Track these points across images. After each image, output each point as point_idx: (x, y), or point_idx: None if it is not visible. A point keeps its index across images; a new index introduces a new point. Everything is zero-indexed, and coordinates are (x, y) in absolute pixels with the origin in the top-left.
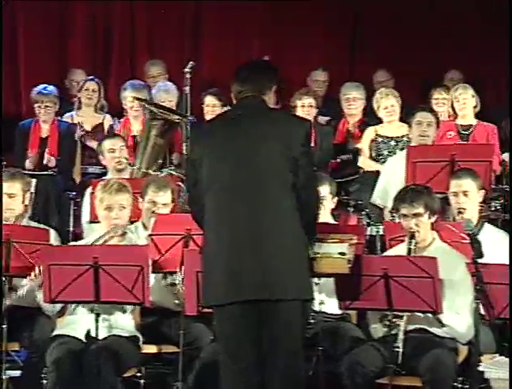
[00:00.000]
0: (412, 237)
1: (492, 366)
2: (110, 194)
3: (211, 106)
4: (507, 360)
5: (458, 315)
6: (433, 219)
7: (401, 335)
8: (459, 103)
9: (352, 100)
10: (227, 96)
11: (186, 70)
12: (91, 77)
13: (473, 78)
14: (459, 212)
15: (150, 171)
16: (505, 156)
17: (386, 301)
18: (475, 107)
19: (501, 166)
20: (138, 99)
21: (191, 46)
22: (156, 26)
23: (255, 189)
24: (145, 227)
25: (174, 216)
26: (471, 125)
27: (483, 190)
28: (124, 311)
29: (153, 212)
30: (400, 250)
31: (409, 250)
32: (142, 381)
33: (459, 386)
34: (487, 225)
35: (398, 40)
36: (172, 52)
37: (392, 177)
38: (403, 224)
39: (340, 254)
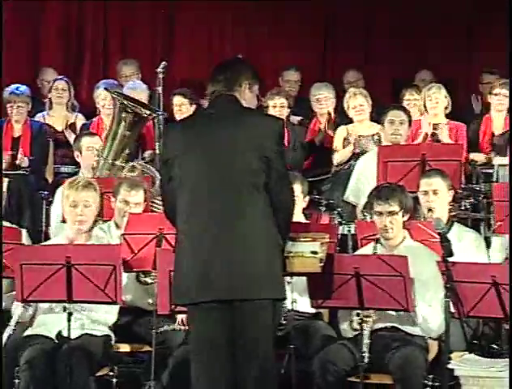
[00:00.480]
0: (377, 241)
1: (461, 364)
2: (76, 190)
3: (179, 105)
4: (477, 357)
5: (430, 308)
6: (406, 217)
7: (367, 335)
8: (432, 101)
9: (324, 99)
10: (198, 96)
11: (159, 69)
12: (60, 76)
13: (444, 78)
14: (429, 210)
15: (117, 162)
16: (474, 156)
17: (357, 300)
18: (446, 108)
19: (470, 165)
20: (107, 90)
21: (164, 46)
22: (129, 26)
23: (227, 188)
24: (117, 226)
25: (147, 216)
26: (440, 123)
27: (452, 191)
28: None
29: (125, 212)
30: (369, 249)
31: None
32: (114, 380)
33: (430, 383)
34: (456, 225)
35: (369, 40)
36: (145, 52)
37: (364, 175)
38: (377, 222)
39: (312, 253)
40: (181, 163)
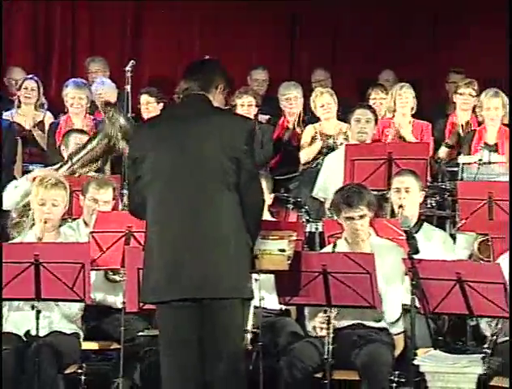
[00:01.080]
0: (335, 245)
1: (427, 360)
2: (45, 188)
3: (146, 104)
4: (442, 353)
5: (389, 298)
6: (372, 215)
7: (331, 334)
8: (402, 101)
9: (293, 99)
10: (166, 94)
11: (127, 68)
12: (30, 76)
13: (407, 78)
14: (400, 207)
15: (79, 171)
16: (441, 152)
17: (324, 297)
18: (412, 108)
19: (436, 163)
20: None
21: (132, 46)
22: (97, 25)
23: (196, 188)
24: (86, 224)
25: (115, 214)
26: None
27: (423, 192)
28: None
29: (94, 210)
30: (330, 248)
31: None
32: (83, 377)
33: (395, 379)
34: (425, 224)
35: (336, 40)
36: (113, 51)
37: (332, 173)
38: (347, 226)
39: (280, 250)
40: (149, 161)
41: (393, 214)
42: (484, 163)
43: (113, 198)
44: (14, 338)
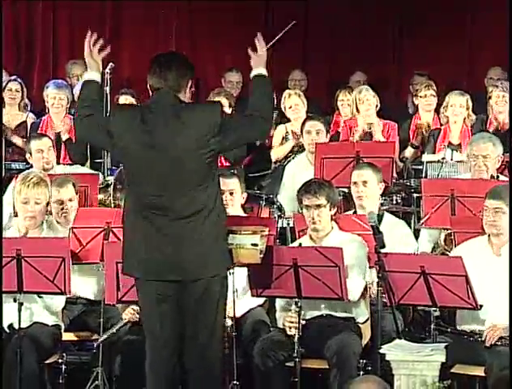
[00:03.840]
0: (300, 244)
1: (392, 349)
2: (28, 187)
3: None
4: (407, 342)
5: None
6: (333, 211)
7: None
8: (364, 104)
9: None
10: (144, 96)
11: (106, 70)
12: (13, 77)
13: (376, 79)
14: (358, 198)
15: None
16: (407, 152)
17: (295, 289)
18: (376, 106)
19: (402, 162)
20: None
21: (111, 46)
22: (77, 26)
23: (175, 179)
24: (59, 223)
25: (95, 210)
26: (373, 123)
27: (382, 184)
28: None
29: (62, 209)
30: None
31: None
32: (63, 367)
33: (362, 367)
34: (386, 215)
35: (307, 41)
36: None
37: (293, 182)
38: (305, 215)
39: (253, 245)
40: (127, 154)
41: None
42: (448, 161)
43: (76, 193)
44: None
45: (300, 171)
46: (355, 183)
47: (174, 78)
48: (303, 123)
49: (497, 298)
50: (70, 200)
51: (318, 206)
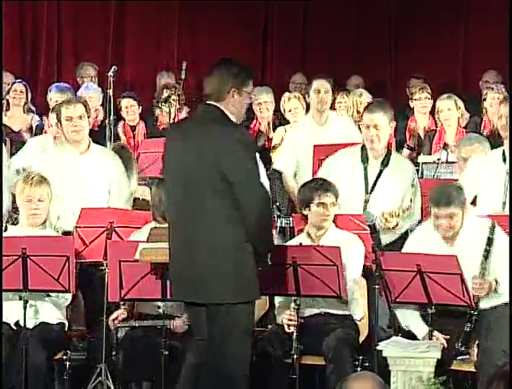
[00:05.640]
0: (300, 244)
1: (389, 345)
2: (30, 185)
3: (128, 107)
4: (403, 339)
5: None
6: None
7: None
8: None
9: (264, 103)
10: (146, 97)
11: (109, 74)
12: (19, 80)
13: (374, 82)
14: (370, 142)
15: None
16: (403, 153)
17: (294, 288)
18: None
19: None
20: None
21: (115, 48)
22: (81, 28)
23: (195, 201)
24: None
25: (98, 210)
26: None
27: (394, 122)
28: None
29: (32, 209)
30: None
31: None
32: (68, 363)
33: (360, 363)
34: (393, 155)
35: (306, 42)
36: (95, 52)
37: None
38: (318, 212)
39: None
40: (164, 164)
41: None
42: (443, 162)
43: (87, 112)
44: (5, 326)
45: (305, 133)
46: (367, 127)
47: (214, 84)
48: (309, 83)
49: None
50: (80, 118)
51: (333, 204)
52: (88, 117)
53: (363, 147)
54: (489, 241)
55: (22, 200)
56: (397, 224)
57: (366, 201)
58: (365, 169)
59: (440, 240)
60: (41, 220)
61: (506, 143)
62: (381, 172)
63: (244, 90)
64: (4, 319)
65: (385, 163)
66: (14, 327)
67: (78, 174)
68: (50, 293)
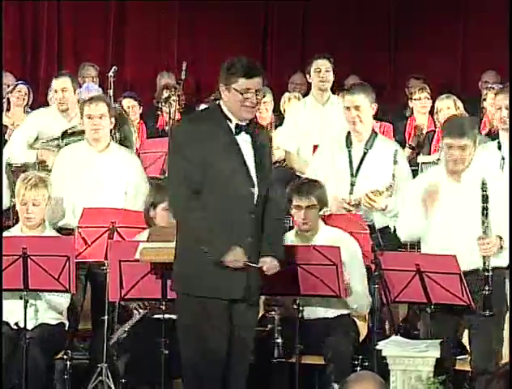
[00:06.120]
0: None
1: (388, 345)
2: (25, 189)
3: (129, 107)
4: (402, 339)
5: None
6: (323, 211)
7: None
8: None
9: (263, 104)
10: (146, 97)
11: (110, 74)
12: (22, 81)
13: (370, 81)
14: (352, 123)
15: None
16: (405, 152)
17: (294, 288)
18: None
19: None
20: None
21: (115, 48)
22: (81, 28)
23: None
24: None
25: (100, 210)
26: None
27: (375, 104)
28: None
29: (94, 125)
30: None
31: None
32: (68, 363)
33: (360, 362)
34: (379, 137)
35: (306, 44)
36: (96, 53)
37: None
38: (295, 215)
39: None
40: None
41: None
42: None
43: (109, 111)
44: (5, 327)
45: (307, 112)
46: (347, 108)
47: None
48: (309, 63)
49: (462, 224)
50: (101, 117)
51: (309, 207)
52: (110, 116)
53: (348, 133)
54: (484, 199)
55: (18, 202)
56: (386, 207)
57: (352, 184)
58: (349, 153)
59: (447, 174)
60: (36, 224)
61: (503, 134)
62: (365, 154)
63: (232, 87)
64: (4, 319)
65: (369, 145)
66: (15, 327)
67: (93, 172)
68: (48, 297)
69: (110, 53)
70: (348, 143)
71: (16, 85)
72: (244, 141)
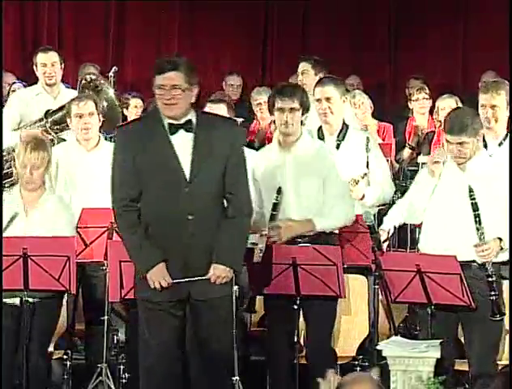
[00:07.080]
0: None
1: (389, 345)
2: (25, 152)
3: (136, 107)
4: (402, 339)
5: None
6: (305, 116)
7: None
8: (360, 108)
9: (264, 104)
10: (146, 98)
11: (110, 74)
12: (19, 80)
13: (371, 83)
14: (323, 115)
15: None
16: (404, 153)
17: (294, 287)
18: (370, 107)
19: (397, 163)
20: None
21: (115, 48)
22: (82, 28)
23: None
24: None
25: (99, 210)
26: (369, 125)
27: (346, 97)
28: None
29: (84, 123)
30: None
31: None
32: (68, 362)
33: (360, 363)
34: (350, 129)
35: (306, 44)
36: (96, 53)
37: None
38: (277, 118)
39: (252, 244)
40: None
41: None
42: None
43: (97, 109)
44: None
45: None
46: (318, 100)
47: None
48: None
49: (462, 210)
50: (90, 115)
51: (292, 109)
52: (98, 113)
53: (320, 127)
54: (474, 207)
55: (18, 166)
56: (363, 196)
57: None
58: None
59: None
60: (35, 187)
61: (488, 133)
62: (338, 146)
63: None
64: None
65: (341, 136)
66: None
67: (85, 172)
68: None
69: (110, 53)
70: (321, 136)
71: (12, 84)
72: (181, 139)
